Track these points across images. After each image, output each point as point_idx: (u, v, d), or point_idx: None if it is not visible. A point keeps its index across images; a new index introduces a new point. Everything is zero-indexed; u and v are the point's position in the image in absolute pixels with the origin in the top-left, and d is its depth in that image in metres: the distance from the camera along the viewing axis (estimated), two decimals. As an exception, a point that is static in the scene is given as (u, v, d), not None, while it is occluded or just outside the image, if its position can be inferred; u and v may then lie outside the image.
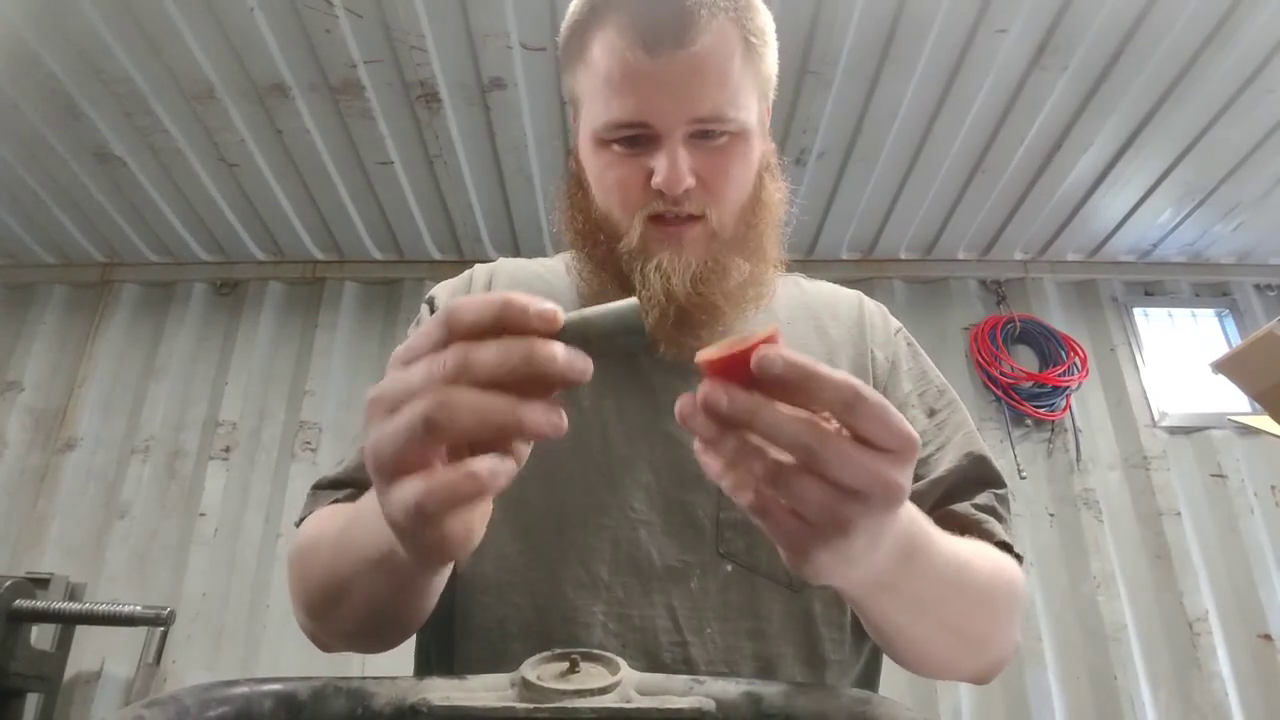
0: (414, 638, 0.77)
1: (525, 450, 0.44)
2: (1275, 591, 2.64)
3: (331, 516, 0.70)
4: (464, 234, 3.00)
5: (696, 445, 0.44)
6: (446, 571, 0.59)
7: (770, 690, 0.46)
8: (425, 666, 0.77)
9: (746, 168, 0.76)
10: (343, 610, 0.63)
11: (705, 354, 0.43)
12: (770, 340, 0.41)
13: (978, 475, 0.75)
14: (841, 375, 0.41)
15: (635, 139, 0.72)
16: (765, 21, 0.77)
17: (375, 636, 0.67)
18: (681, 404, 0.43)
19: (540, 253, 3.31)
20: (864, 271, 3.12)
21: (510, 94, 2.34)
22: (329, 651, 0.71)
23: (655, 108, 0.70)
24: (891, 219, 2.92)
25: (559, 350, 0.40)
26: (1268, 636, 2.57)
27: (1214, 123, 2.43)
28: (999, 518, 0.74)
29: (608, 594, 0.69)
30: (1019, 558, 0.72)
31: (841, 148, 2.58)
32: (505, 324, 0.40)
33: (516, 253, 3.12)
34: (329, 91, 2.34)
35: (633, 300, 0.43)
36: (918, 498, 0.73)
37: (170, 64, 2.22)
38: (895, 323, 0.88)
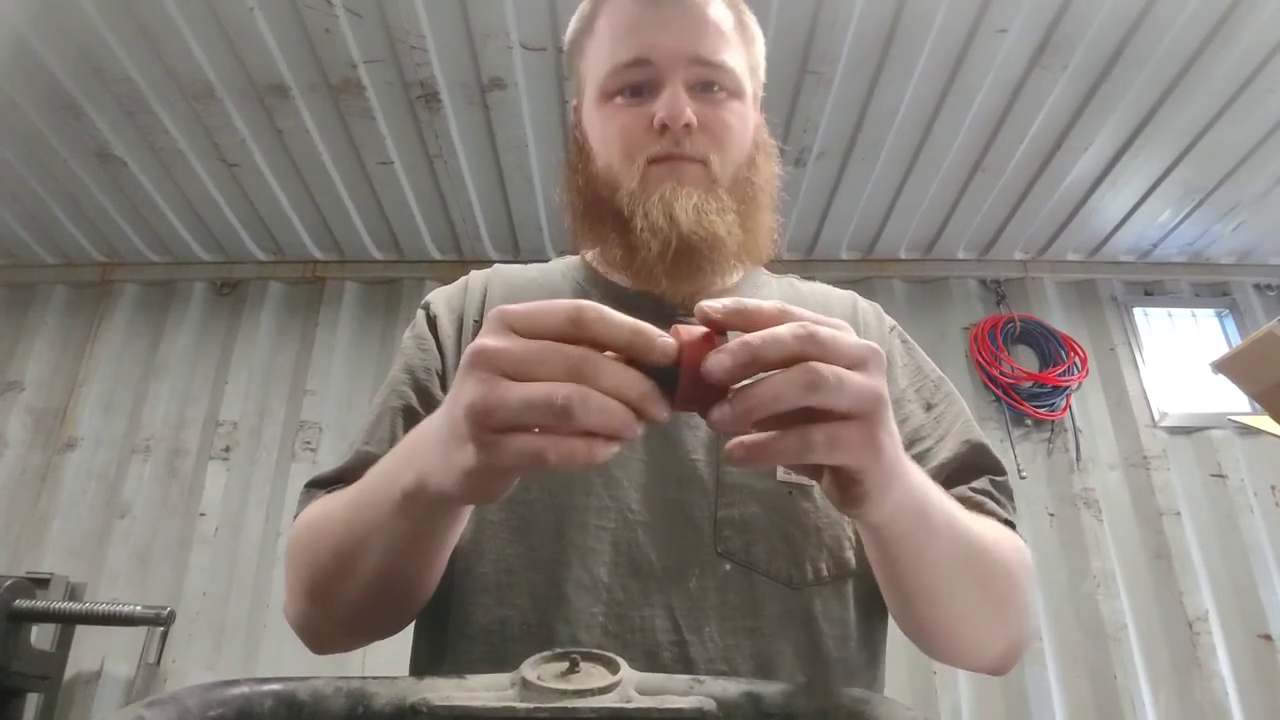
0: (411, 640, 0.77)
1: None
2: (1275, 591, 2.64)
3: (334, 498, 0.70)
4: (464, 233, 3.01)
5: (734, 446, 0.46)
6: (461, 526, 0.61)
7: (770, 690, 0.46)
8: (421, 669, 0.77)
9: (743, 125, 0.79)
10: (352, 581, 0.63)
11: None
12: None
13: (976, 462, 0.76)
14: (778, 306, 0.45)
15: (638, 88, 0.76)
16: (752, 18, 0.84)
17: (381, 611, 0.68)
18: (732, 447, 0.46)
19: (540, 251, 3.32)
20: (864, 271, 3.12)
21: (510, 94, 2.34)
22: (321, 649, 0.71)
23: (657, 45, 0.75)
24: (891, 218, 2.92)
25: (663, 410, 0.44)
26: (1268, 636, 2.57)
27: (1214, 122, 2.43)
28: (997, 501, 0.74)
29: (608, 595, 0.69)
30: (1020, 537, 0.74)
31: (841, 147, 2.58)
32: (633, 349, 0.44)
33: (517, 252, 3.13)
34: (329, 91, 2.34)
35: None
36: None
37: (171, 64, 2.22)
38: (890, 320, 0.88)
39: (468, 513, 0.61)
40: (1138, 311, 3.13)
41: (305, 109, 2.39)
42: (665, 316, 0.72)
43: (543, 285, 0.87)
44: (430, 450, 0.50)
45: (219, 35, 2.14)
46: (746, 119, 0.80)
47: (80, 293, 3.15)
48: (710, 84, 0.76)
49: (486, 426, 0.44)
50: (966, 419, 0.80)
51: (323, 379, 2.95)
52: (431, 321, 0.84)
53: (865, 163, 2.63)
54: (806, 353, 0.43)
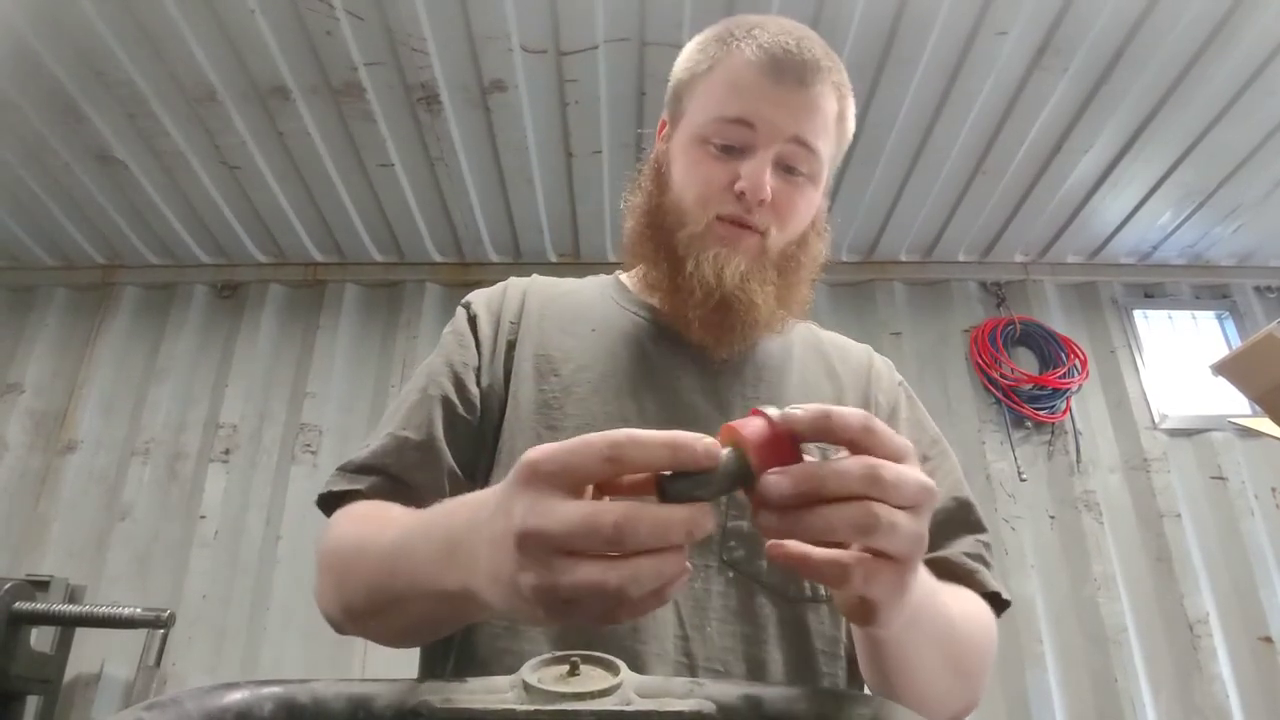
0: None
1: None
2: (1276, 594, 2.64)
3: (374, 519, 0.71)
4: (465, 236, 3.01)
5: (774, 550, 0.47)
6: None
7: (771, 693, 0.46)
8: (431, 662, 0.79)
9: (809, 209, 0.85)
10: (390, 621, 0.66)
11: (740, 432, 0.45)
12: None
13: (963, 518, 0.80)
14: (862, 421, 0.46)
15: (731, 147, 0.80)
16: (853, 110, 0.88)
17: (414, 642, 0.73)
18: (772, 549, 0.47)
19: (540, 254, 3.32)
20: (864, 274, 3.12)
21: (511, 96, 2.34)
22: (344, 634, 0.74)
23: (765, 115, 0.79)
24: (892, 221, 2.92)
25: (706, 525, 0.43)
26: (1268, 639, 2.57)
27: (1214, 125, 2.43)
28: (987, 565, 0.79)
29: None
30: (1006, 604, 0.79)
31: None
32: (678, 465, 0.43)
33: (517, 255, 3.13)
34: (330, 94, 2.34)
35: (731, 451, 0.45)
36: None
37: (172, 66, 2.23)
38: (898, 376, 0.95)
39: None
40: (1138, 314, 3.13)
41: (306, 111, 2.39)
42: (698, 354, 0.83)
43: (580, 302, 0.91)
44: (483, 578, 0.48)
45: (220, 37, 2.15)
46: (813, 203, 0.85)
47: (81, 295, 3.15)
48: (795, 167, 0.81)
49: (554, 608, 0.44)
50: (957, 476, 0.84)
51: (323, 382, 2.95)
52: (472, 320, 0.88)
53: (865, 165, 2.63)
54: (869, 494, 0.44)
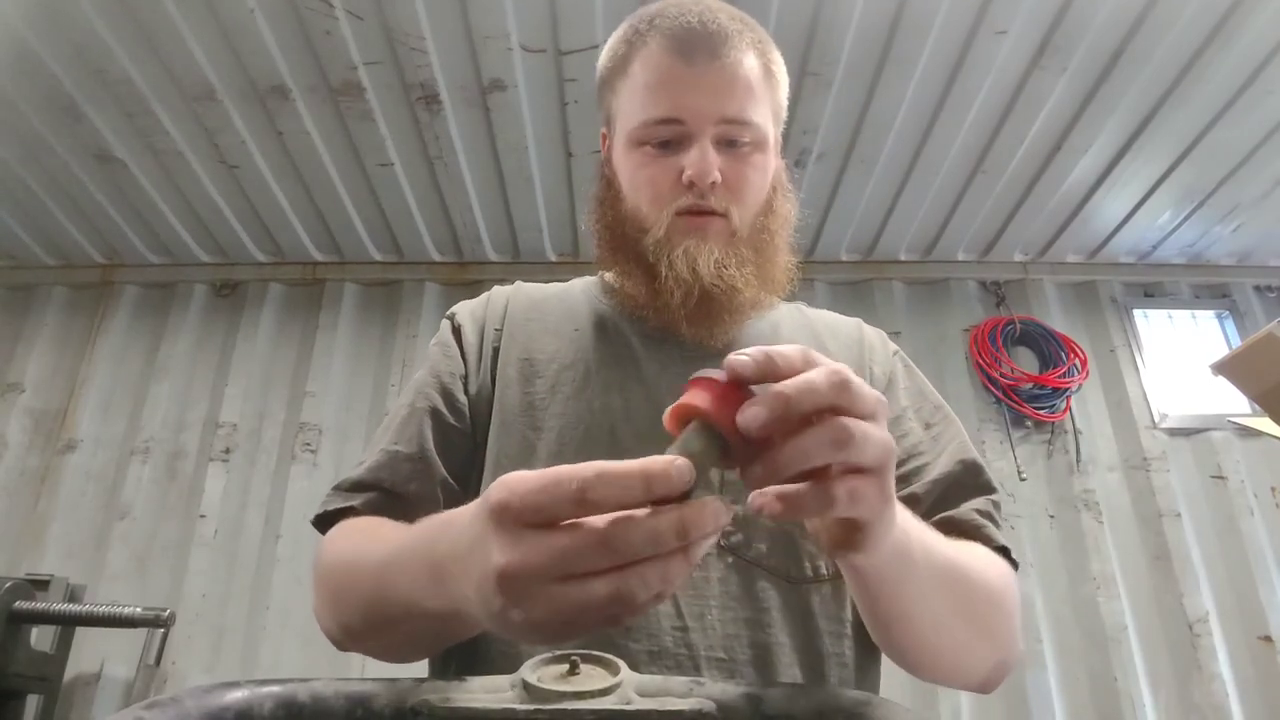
0: None
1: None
2: (1275, 593, 2.64)
3: (367, 535, 0.71)
4: (464, 235, 3.01)
5: (759, 501, 0.45)
6: None
7: (770, 692, 0.46)
8: (436, 662, 0.79)
9: (763, 176, 0.84)
10: (387, 639, 0.67)
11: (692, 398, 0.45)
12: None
13: (972, 481, 0.79)
14: (801, 353, 0.46)
15: (667, 142, 0.80)
16: (780, 62, 0.87)
17: (416, 657, 0.72)
18: (756, 503, 0.45)
19: (540, 254, 3.32)
20: (863, 273, 3.12)
21: (510, 95, 2.34)
22: (345, 651, 0.74)
23: (689, 105, 0.78)
24: (891, 220, 2.92)
25: (710, 515, 0.41)
26: (1268, 638, 2.57)
27: (1214, 124, 2.43)
28: (995, 524, 0.78)
29: None
30: (1015, 563, 0.76)
31: (841, 149, 2.58)
32: (654, 496, 0.41)
33: (516, 254, 3.13)
34: (329, 93, 2.34)
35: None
36: (913, 501, 0.77)
37: (171, 65, 2.23)
38: (893, 345, 0.93)
39: None
40: (1138, 313, 3.13)
41: (305, 111, 2.39)
42: (682, 344, 0.83)
43: (563, 303, 0.91)
44: (476, 610, 0.47)
45: (219, 37, 2.15)
46: (766, 168, 0.84)
47: (80, 294, 3.14)
48: (735, 139, 0.80)
49: (549, 628, 0.43)
50: (963, 440, 0.83)
51: (322, 381, 2.95)
52: (456, 330, 0.89)
53: (865, 164, 2.63)
54: (838, 403, 0.44)
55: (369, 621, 0.66)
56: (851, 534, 0.49)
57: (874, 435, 0.45)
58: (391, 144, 2.52)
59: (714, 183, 0.78)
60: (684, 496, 0.42)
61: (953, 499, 0.78)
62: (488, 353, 0.86)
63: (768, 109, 0.83)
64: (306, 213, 2.88)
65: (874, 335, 0.94)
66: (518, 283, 0.96)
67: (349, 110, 2.40)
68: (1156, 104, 2.37)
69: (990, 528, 0.76)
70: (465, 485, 0.81)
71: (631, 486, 0.41)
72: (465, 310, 0.91)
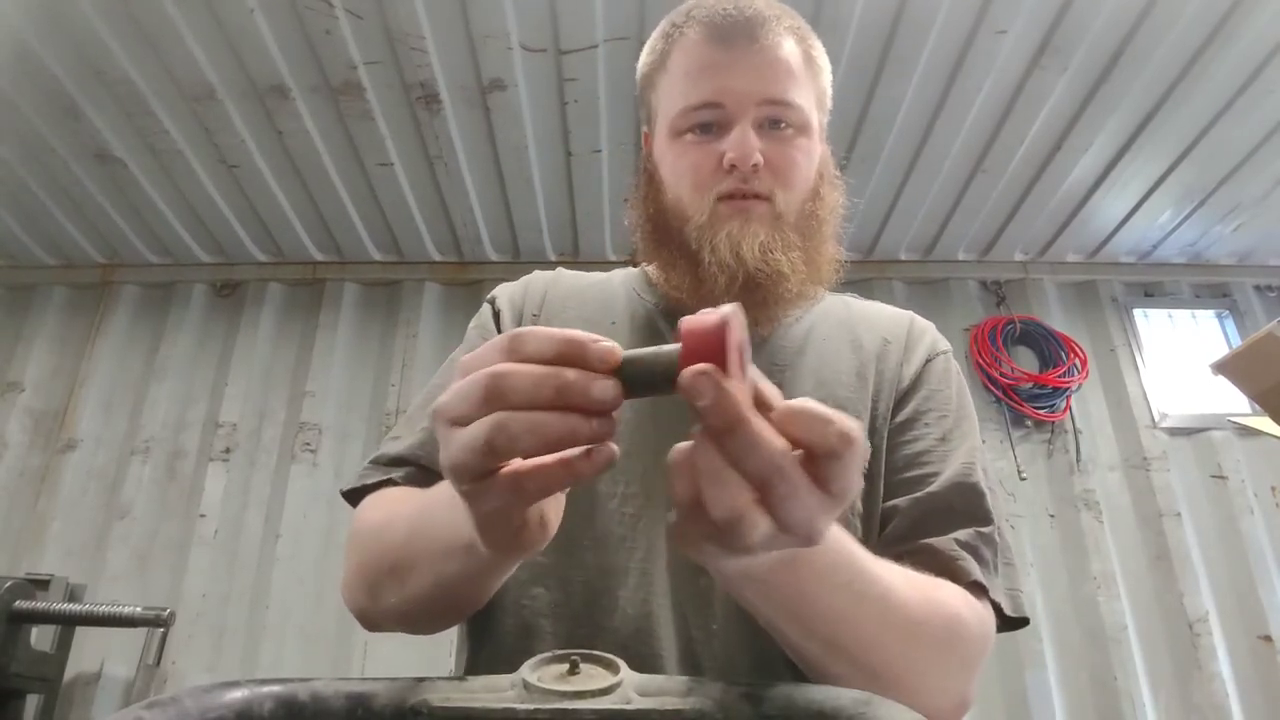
0: (410, 639, 0.82)
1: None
2: (1275, 592, 2.64)
3: (402, 499, 0.72)
4: (464, 235, 3.01)
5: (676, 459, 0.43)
6: (512, 568, 0.60)
7: (770, 692, 0.46)
8: (465, 640, 0.80)
9: (809, 160, 0.82)
10: (410, 590, 0.64)
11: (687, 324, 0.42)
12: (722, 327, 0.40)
13: (964, 508, 0.74)
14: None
15: (708, 126, 0.79)
16: (821, 49, 0.86)
17: (436, 618, 0.70)
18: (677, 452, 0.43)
19: (540, 254, 3.32)
20: (864, 273, 3.12)
21: (510, 95, 2.34)
22: (375, 630, 0.73)
23: (728, 89, 0.78)
24: (891, 220, 2.92)
25: (596, 386, 0.41)
26: (1268, 638, 2.57)
27: (1214, 123, 2.43)
28: (980, 559, 0.71)
29: (630, 580, 0.72)
30: (997, 604, 0.70)
31: (841, 148, 2.58)
32: (566, 359, 0.41)
33: (517, 254, 3.13)
34: (329, 93, 2.34)
35: (676, 347, 0.42)
36: (892, 514, 0.74)
37: (171, 65, 2.22)
38: (944, 345, 0.89)
39: (518, 560, 0.58)
40: (1138, 312, 3.13)
41: (305, 110, 2.39)
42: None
43: (602, 294, 0.90)
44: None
45: (219, 36, 2.14)
46: (811, 153, 0.82)
47: (80, 294, 3.14)
48: (778, 122, 0.79)
49: (461, 483, 0.44)
50: (970, 460, 0.77)
51: (322, 381, 2.95)
52: (496, 314, 0.89)
53: (865, 164, 2.63)
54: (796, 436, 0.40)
55: (398, 574, 0.64)
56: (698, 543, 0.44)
57: (805, 501, 0.40)
58: (391, 144, 2.52)
59: (756, 165, 0.76)
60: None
61: (935, 525, 0.72)
62: None
63: (810, 93, 0.82)
64: (306, 213, 2.88)
65: (922, 332, 0.89)
66: (559, 269, 0.95)
67: (349, 110, 2.40)
68: (1156, 104, 2.37)
69: (967, 561, 0.69)
70: None
71: (549, 346, 0.41)
72: (505, 294, 0.92)
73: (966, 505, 0.74)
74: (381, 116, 2.41)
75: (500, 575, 0.60)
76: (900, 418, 0.80)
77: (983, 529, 0.73)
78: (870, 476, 0.76)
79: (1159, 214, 2.89)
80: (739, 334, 0.42)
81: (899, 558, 0.65)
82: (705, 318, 0.41)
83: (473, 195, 2.77)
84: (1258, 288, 3.19)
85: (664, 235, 0.83)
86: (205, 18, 2.09)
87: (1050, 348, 2.96)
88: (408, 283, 3.13)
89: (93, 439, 2.89)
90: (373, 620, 0.72)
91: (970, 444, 0.79)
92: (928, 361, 0.84)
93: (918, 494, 0.74)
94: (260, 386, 2.96)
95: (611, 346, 0.42)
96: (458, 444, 0.42)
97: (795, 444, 0.41)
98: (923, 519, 0.73)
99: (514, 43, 2.17)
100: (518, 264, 3.13)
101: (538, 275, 0.94)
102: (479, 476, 0.42)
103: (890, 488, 0.76)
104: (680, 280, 0.82)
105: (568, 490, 0.71)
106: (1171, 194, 2.77)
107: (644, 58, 0.88)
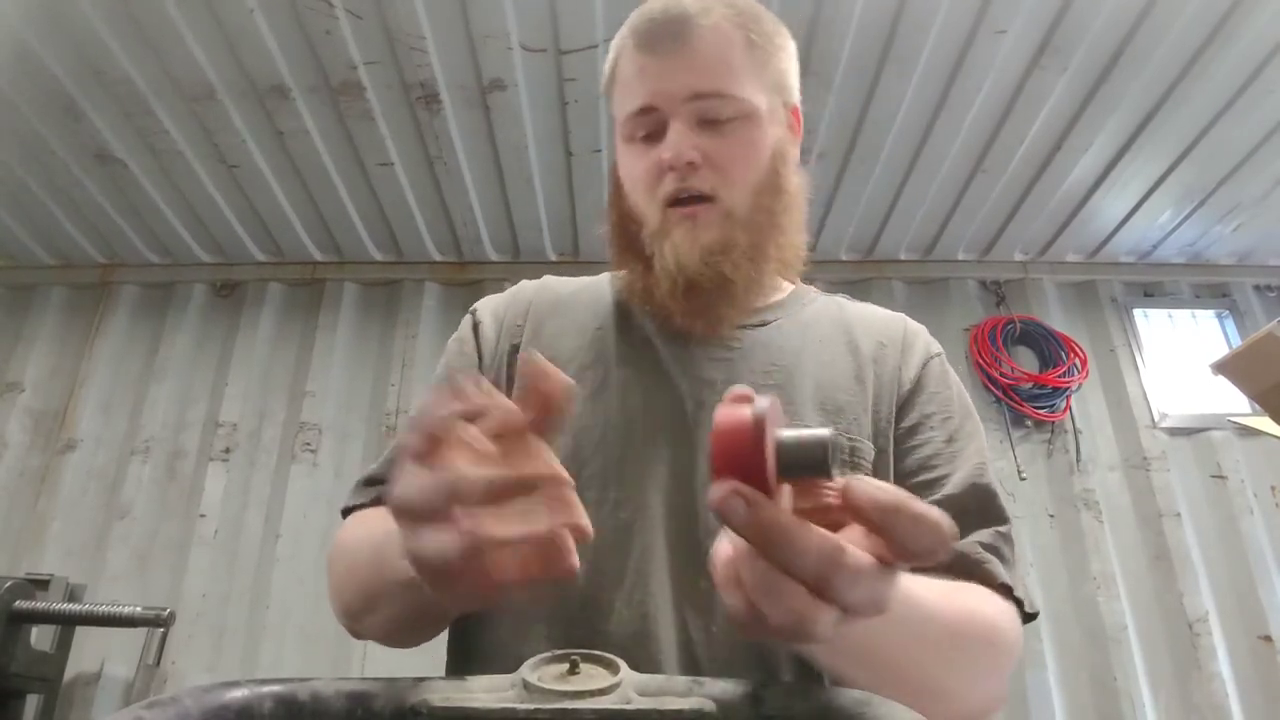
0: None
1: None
2: (1275, 592, 2.64)
3: (368, 523, 0.74)
4: (464, 235, 3.00)
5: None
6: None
7: (770, 692, 0.46)
8: (458, 643, 0.81)
9: (755, 150, 0.81)
10: (376, 619, 0.69)
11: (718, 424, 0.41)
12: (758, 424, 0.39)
13: (981, 510, 0.75)
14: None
15: (651, 134, 0.80)
16: (772, 29, 0.84)
17: (406, 641, 0.73)
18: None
19: (540, 254, 3.32)
20: (863, 272, 3.12)
21: (510, 95, 2.34)
22: (361, 639, 0.76)
23: (659, 91, 0.79)
24: (891, 219, 2.92)
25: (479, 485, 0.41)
26: (1268, 638, 2.57)
27: (1214, 123, 2.43)
28: (1002, 559, 0.72)
29: (626, 583, 0.72)
30: (1020, 601, 0.72)
31: (841, 148, 2.58)
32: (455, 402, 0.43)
33: (517, 254, 3.13)
34: (329, 93, 2.34)
35: (823, 434, 0.41)
36: None
37: (170, 65, 2.22)
38: (936, 348, 0.88)
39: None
40: (1138, 312, 3.13)
41: (305, 110, 2.39)
42: (702, 339, 0.81)
43: (589, 299, 0.90)
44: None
45: (219, 36, 2.14)
46: (758, 142, 0.81)
47: (80, 294, 3.14)
48: (716, 116, 0.78)
49: (423, 569, 0.43)
50: (981, 461, 0.78)
51: (322, 381, 2.95)
52: (475, 327, 0.90)
53: (865, 164, 2.63)
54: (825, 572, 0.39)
55: (366, 600, 0.68)
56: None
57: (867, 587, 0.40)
58: (391, 144, 2.52)
59: (692, 162, 0.77)
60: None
61: (959, 525, 0.73)
62: (505, 349, 0.86)
63: (754, 80, 0.80)
64: (306, 212, 2.88)
65: (915, 335, 0.88)
66: (545, 278, 0.95)
67: (349, 110, 2.40)
68: (1156, 104, 2.37)
69: (994, 564, 0.71)
70: None
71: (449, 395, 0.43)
72: (487, 306, 0.92)
73: (982, 507, 0.75)
74: (381, 116, 2.41)
75: (454, 612, 0.63)
76: (906, 423, 0.80)
77: (1001, 529, 0.74)
78: (881, 479, 0.76)
79: (1159, 214, 2.89)
80: (775, 424, 0.41)
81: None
82: (737, 417, 0.40)
83: (473, 195, 2.77)
84: (1258, 288, 3.19)
85: (627, 240, 0.84)
86: (205, 18, 2.09)
87: (1050, 348, 2.96)
88: (407, 283, 3.13)
89: (93, 439, 2.89)
90: (356, 633, 0.75)
91: (978, 444, 0.80)
92: (925, 364, 0.84)
93: (934, 498, 0.74)
94: (260, 386, 2.96)
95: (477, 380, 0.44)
96: (430, 542, 0.41)
97: (871, 529, 0.40)
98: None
99: (514, 43, 2.17)
100: (518, 264, 3.13)
101: (524, 284, 0.94)
102: (424, 520, 0.42)
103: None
104: (637, 284, 0.84)
105: None
106: (1171, 194, 2.77)
107: (605, 70, 0.89)
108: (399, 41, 2.16)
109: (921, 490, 0.75)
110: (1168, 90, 2.32)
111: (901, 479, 0.77)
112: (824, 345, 0.84)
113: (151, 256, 3.11)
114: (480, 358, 0.86)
